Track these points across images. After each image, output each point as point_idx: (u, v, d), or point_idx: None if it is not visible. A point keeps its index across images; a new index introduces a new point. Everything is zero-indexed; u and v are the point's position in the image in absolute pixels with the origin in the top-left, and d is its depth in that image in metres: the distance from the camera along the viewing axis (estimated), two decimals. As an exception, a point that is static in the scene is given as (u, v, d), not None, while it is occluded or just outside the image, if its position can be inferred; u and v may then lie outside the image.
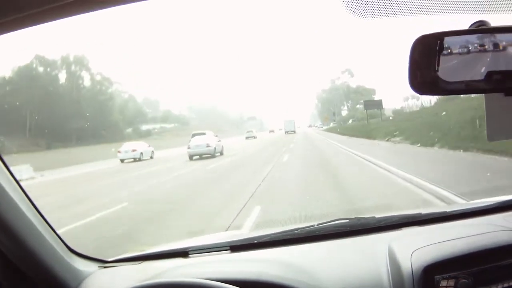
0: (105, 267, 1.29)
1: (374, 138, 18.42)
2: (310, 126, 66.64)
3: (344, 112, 58.99)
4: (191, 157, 17.23)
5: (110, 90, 38.25)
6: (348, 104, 59.68)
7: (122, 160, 18.56)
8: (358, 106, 57.83)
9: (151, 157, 19.62)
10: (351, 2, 0.88)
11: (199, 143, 17.75)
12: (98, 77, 36.84)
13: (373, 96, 49.39)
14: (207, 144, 17.55)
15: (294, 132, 40.28)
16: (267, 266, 1.13)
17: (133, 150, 18.87)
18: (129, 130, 36.78)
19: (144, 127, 38.62)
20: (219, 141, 19.68)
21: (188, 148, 17.66)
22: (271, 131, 50.50)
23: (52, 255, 1.11)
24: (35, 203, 1.10)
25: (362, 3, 0.89)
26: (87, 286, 1.17)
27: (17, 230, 1.01)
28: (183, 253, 1.31)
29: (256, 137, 32.79)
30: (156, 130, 40.58)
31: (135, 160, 18.58)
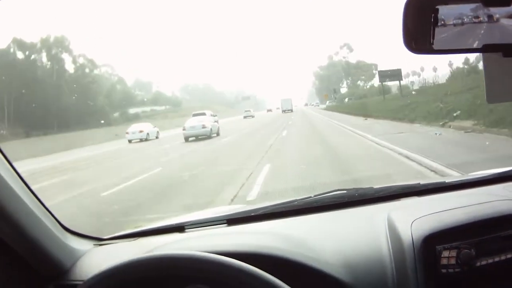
0: (100, 244, 1.31)
1: (412, 121, 12.51)
2: (306, 104, 66.65)
3: (344, 90, 57.49)
4: (186, 139, 17.22)
5: (94, 73, 37.53)
6: (348, 81, 58.30)
7: (130, 141, 20.08)
8: (359, 82, 56.52)
9: (157, 137, 20.90)
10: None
11: (194, 124, 17.61)
12: (80, 60, 36.10)
13: (374, 72, 47.78)
14: (203, 125, 17.43)
15: (291, 111, 42.60)
16: (264, 238, 1.14)
17: (140, 131, 20.47)
18: (116, 114, 36.02)
19: (132, 111, 37.76)
20: (216, 121, 19.43)
21: (183, 129, 17.63)
22: (269, 110, 55.19)
23: (46, 234, 1.11)
24: (28, 183, 1.10)
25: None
26: (83, 263, 1.18)
27: (9, 210, 1.01)
28: (179, 228, 1.33)
29: (253, 116, 37.74)
30: (145, 113, 39.69)
31: (141, 140, 20.02)
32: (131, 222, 4.27)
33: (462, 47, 0.89)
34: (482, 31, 0.87)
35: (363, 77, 55.06)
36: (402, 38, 0.89)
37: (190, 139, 17.08)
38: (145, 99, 45.50)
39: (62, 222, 1.21)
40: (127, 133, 20.54)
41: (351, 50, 58.97)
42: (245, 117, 37.34)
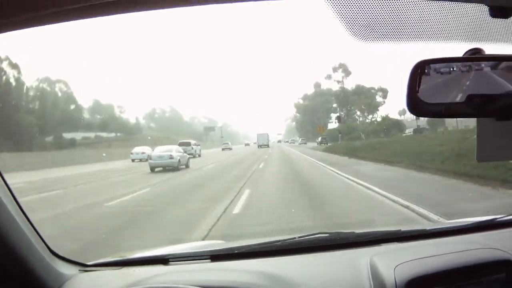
0: (85, 270, 1.46)
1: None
2: (279, 141, 67.79)
3: (332, 125, 53.97)
4: (152, 169, 17.82)
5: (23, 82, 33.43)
6: (342, 113, 54.89)
7: (133, 160, 26.27)
8: (358, 114, 51.22)
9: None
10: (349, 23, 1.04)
11: (161, 154, 18.28)
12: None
13: (380, 100, 46.35)
14: (170, 155, 18.16)
15: (268, 146, 46.67)
16: (247, 276, 1.30)
17: (142, 153, 26.44)
18: (50, 138, 33.49)
19: (69, 135, 35.77)
20: (184, 153, 20.27)
21: (150, 159, 18.37)
22: (247, 144, 62.16)
23: (34, 256, 1.25)
24: (20, 202, 1.26)
25: (358, 26, 1.06)
26: None
27: (2, 230, 1.16)
28: (163, 260, 1.50)
29: (231, 149, 42.93)
30: (87, 139, 38.14)
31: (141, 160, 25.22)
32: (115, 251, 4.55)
33: (456, 101, 1.00)
34: (474, 86, 1.00)
35: (364, 107, 50.41)
36: (406, 105, 1.01)
37: (157, 169, 17.63)
38: (92, 123, 43.10)
39: (49, 245, 1.36)
40: (131, 153, 25.10)
41: (348, 73, 53.31)
42: (223, 149, 42.79)
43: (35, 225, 1.32)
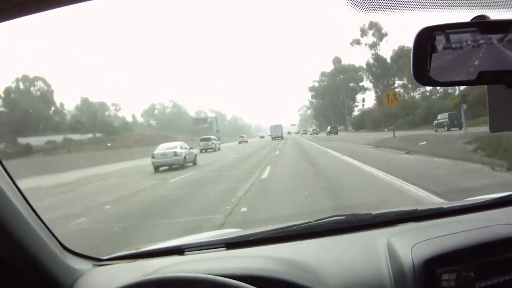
0: (100, 265, 1.61)
1: None
2: (289, 132, 71.11)
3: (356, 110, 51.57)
4: (156, 168, 18.22)
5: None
6: (378, 89, 50.16)
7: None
8: (398, 90, 45.40)
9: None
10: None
11: (165, 152, 18.63)
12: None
13: None
14: (174, 152, 18.53)
15: (282, 138, 53.12)
16: (262, 262, 1.42)
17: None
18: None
19: (27, 140, 34.63)
20: (191, 149, 20.65)
21: (152, 157, 18.72)
22: (262, 137, 74.99)
23: (46, 253, 1.37)
24: (30, 201, 1.38)
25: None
26: (82, 284, 1.45)
27: (11, 228, 1.25)
28: (178, 251, 1.65)
29: (247, 141, 54.51)
30: (52, 143, 37.11)
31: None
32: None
33: (466, 78, 1.12)
34: (484, 61, 1.10)
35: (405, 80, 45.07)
36: (412, 72, 1.12)
37: (161, 168, 17.95)
38: (62, 123, 42.33)
39: (62, 241, 1.50)
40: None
41: (382, 36, 48.06)
42: (239, 142, 54.92)
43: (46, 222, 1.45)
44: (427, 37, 1.12)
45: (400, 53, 45.66)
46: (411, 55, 1.13)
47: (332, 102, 57.53)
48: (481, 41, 1.11)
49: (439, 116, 29.37)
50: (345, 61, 56.19)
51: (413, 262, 1.27)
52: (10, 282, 1.30)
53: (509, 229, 1.41)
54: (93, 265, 1.61)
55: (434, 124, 29.27)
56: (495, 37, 1.11)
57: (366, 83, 54.10)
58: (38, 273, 1.34)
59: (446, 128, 26.94)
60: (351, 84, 55.00)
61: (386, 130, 32.80)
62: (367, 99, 58.29)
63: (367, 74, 53.40)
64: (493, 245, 1.33)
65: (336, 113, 58.57)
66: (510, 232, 1.38)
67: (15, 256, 1.29)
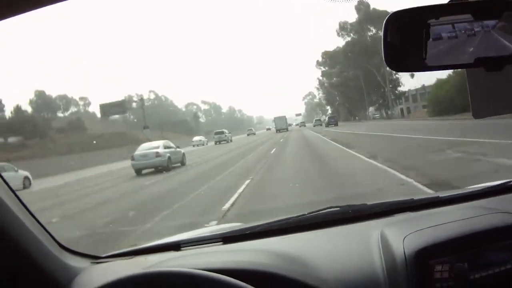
0: (97, 262, 1.87)
1: None
2: (290, 125, 74.20)
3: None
4: (138, 172, 18.63)
5: None
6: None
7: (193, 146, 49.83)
8: None
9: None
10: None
11: (145, 153, 18.95)
12: None
13: None
14: (156, 153, 18.85)
15: (286, 129, 62.29)
16: (259, 255, 1.64)
17: (199, 140, 59.84)
18: None
19: None
20: (177, 148, 21.05)
21: (132, 159, 19.05)
22: (268, 129, 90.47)
23: (42, 252, 1.55)
24: (22, 199, 1.59)
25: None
26: (79, 281, 1.65)
27: (4, 227, 1.42)
28: (175, 246, 1.93)
29: (255, 134, 72.75)
30: None
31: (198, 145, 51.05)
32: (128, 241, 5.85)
33: (452, 62, 1.27)
34: (471, 49, 1.24)
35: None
36: (384, 56, 1.27)
37: (144, 171, 18.27)
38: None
39: (58, 240, 1.71)
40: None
41: None
42: (248, 134, 73.16)
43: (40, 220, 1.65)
44: (399, 21, 1.26)
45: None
46: (382, 40, 1.28)
47: (363, 70, 47.73)
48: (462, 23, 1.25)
49: (326, 117, 33.41)
50: (375, 4, 48.57)
51: (404, 253, 1.42)
52: (6, 282, 1.46)
53: (505, 217, 1.56)
54: (91, 262, 1.85)
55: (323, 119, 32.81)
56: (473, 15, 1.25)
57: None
58: (35, 272, 1.52)
59: (330, 123, 35.96)
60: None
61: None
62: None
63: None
64: (488, 234, 1.46)
65: (370, 88, 49.13)
66: (506, 220, 1.52)
67: (11, 256, 1.46)
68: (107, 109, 56.51)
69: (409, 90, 52.29)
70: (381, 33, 1.29)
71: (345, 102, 59.86)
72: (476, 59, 1.24)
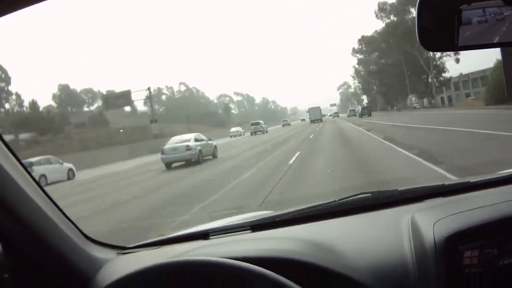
0: (124, 253, 1.90)
1: None
2: (323, 115, 77.36)
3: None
4: (168, 165, 18.70)
5: None
6: None
7: (231, 136, 56.97)
8: None
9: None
10: None
11: (176, 146, 18.96)
12: None
13: None
14: (187, 146, 18.89)
15: (321, 120, 67.22)
16: (288, 243, 1.66)
17: (237, 131, 67.03)
18: None
19: None
20: (209, 140, 21.03)
21: (162, 153, 19.12)
22: (303, 120, 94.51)
23: (68, 244, 1.59)
24: (48, 191, 1.63)
25: None
26: (106, 272, 1.67)
27: (29, 220, 1.45)
28: (203, 235, 1.95)
29: (290, 124, 77.37)
30: None
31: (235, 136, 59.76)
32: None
33: (483, 42, 1.35)
34: (504, 29, 1.32)
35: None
36: (418, 37, 1.35)
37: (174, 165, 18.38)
38: None
39: (84, 231, 1.77)
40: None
41: None
42: (283, 125, 77.00)
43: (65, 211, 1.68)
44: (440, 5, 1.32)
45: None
46: (416, 19, 1.35)
47: (404, 54, 44.10)
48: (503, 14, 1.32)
49: (359, 108, 37.90)
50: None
51: (434, 239, 1.41)
52: (31, 275, 1.49)
53: None
54: (117, 253, 1.88)
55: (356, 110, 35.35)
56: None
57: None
58: (59, 264, 1.55)
59: (364, 114, 37.72)
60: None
61: None
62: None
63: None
64: None
65: (412, 75, 45.32)
66: None
67: (34, 249, 1.48)
68: (111, 100, 54.55)
69: (452, 78, 50.23)
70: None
71: (382, 91, 58.24)
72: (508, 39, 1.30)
